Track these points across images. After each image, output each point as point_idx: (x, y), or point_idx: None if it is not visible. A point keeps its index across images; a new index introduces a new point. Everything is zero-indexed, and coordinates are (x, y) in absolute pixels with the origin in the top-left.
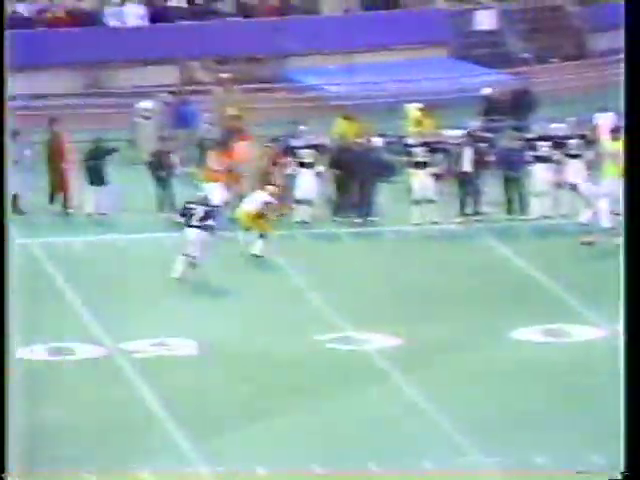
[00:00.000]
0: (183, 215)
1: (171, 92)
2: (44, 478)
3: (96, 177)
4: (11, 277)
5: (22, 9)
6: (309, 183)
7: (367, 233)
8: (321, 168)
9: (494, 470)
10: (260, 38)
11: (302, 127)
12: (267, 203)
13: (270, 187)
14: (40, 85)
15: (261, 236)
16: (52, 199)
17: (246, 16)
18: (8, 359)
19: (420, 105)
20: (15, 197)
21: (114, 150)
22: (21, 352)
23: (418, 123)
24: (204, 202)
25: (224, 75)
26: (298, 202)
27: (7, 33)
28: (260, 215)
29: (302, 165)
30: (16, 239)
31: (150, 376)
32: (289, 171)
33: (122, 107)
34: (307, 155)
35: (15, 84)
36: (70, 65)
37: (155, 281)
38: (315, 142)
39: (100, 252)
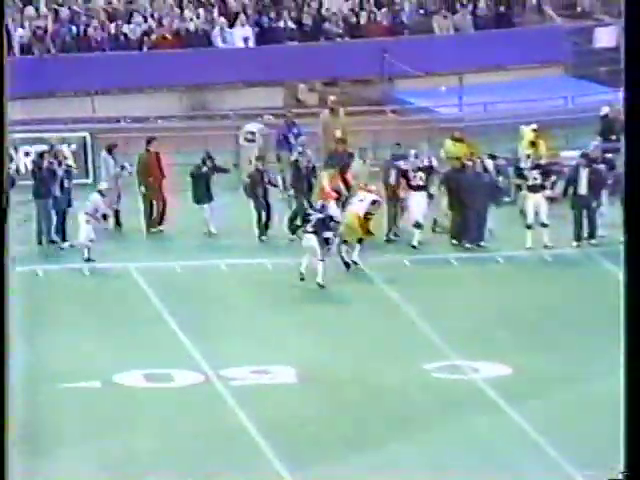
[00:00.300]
0: (305, 222)
1: (276, 114)
2: (44, 478)
3: (204, 194)
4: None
5: (127, 30)
6: (420, 206)
7: (478, 258)
8: (432, 191)
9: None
10: (369, 59)
11: (413, 150)
12: (375, 202)
13: (373, 187)
14: (144, 107)
15: (360, 241)
16: (150, 219)
17: (355, 37)
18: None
19: (534, 126)
20: (117, 213)
21: (225, 170)
22: (118, 378)
23: (532, 144)
24: (322, 211)
25: (331, 97)
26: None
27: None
28: (368, 217)
29: (412, 188)
30: (112, 262)
31: (250, 404)
32: (401, 194)
33: (227, 129)
34: (417, 178)
35: (119, 105)
36: (175, 87)
37: (256, 306)
38: (425, 164)
39: (200, 276)
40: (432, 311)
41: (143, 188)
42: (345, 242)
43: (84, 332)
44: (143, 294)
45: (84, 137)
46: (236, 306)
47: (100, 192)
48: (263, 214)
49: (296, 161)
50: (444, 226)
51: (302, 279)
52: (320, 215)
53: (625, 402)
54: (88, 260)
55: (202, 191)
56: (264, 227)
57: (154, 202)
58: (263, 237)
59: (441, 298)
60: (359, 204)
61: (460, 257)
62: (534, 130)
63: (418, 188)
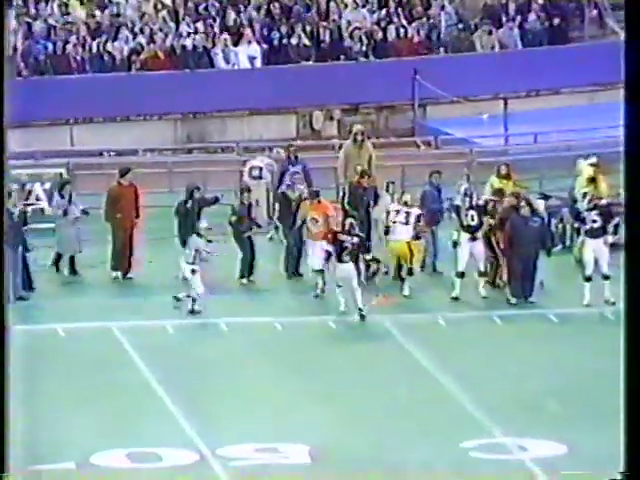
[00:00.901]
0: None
1: (288, 147)
2: (44, 478)
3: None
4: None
5: (112, 48)
6: (465, 251)
7: (526, 316)
8: (478, 235)
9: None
10: (397, 82)
11: (464, 185)
12: (420, 216)
13: (408, 197)
14: (132, 138)
15: (410, 272)
16: (116, 265)
17: (381, 55)
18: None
19: (593, 160)
20: (72, 260)
21: (215, 200)
22: (97, 458)
23: (591, 181)
24: (351, 233)
25: (357, 126)
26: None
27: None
28: (416, 237)
29: (463, 228)
30: (90, 321)
31: None
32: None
33: (229, 165)
34: (469, 217)
35: (102, 137)
36: (169, 114)
37: (260, 371)
38: (479, 202)
39: (194, 336)
40: (470, 377)
41: (110, 227)
42: (398, 275)
43: (59, 403)
44: (127, 358)
45: (60, 173)
46: (237, 371)
47: (198, 234)
48: (247, 255)
49: (283, 194)
50: (484, 275)
51: (343, 312)
52: (354, 239)
53: (625, 402)
54: (192, 312)
55: (190, 231)
56: (247, 269)
57: (121, 246)
58: (244, 280)
59: (481, 362)
60: (404, 227)
61: (505, 314)
62: (593, 164)
63: (468, 229)
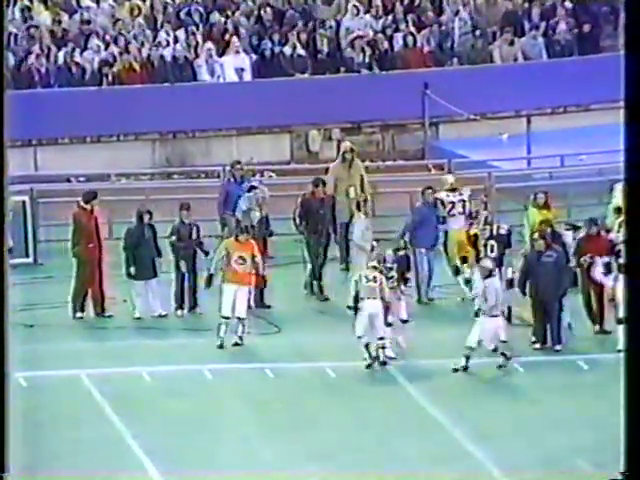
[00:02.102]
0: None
1: (281, 171)
2: (44, 478)
3: (144, 266)
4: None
5: (81, 59)
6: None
7: (552, 363)
8: (509, 273)
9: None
10: (405, 97)
11: (485, 212)
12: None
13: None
14: (104, 161)
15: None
16: (78, 305)
17: (386, 67)
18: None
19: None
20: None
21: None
22: None
23: (618, 211)
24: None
25: (346, 143)
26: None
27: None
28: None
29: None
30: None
31: None
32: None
33: (214, 191)
34: (488, 248)
35: (70, 160)
36: (146, 134)
37: (250, 428)
38: (502, 232)
39: (174, 385)
40: (487, 433)
41: (74, 259)
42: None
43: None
44: (97, 410)
45: (22, 202)
46: (225, 428)
47: None
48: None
49: (238, 221)
50: (522, 317)
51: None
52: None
53: (625, 402)
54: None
55: (142, 262)
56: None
57: (86, 281)
58: (179, 312)
59: (500, 417)
60: (461, 218)
61: (527, 362)
62: None
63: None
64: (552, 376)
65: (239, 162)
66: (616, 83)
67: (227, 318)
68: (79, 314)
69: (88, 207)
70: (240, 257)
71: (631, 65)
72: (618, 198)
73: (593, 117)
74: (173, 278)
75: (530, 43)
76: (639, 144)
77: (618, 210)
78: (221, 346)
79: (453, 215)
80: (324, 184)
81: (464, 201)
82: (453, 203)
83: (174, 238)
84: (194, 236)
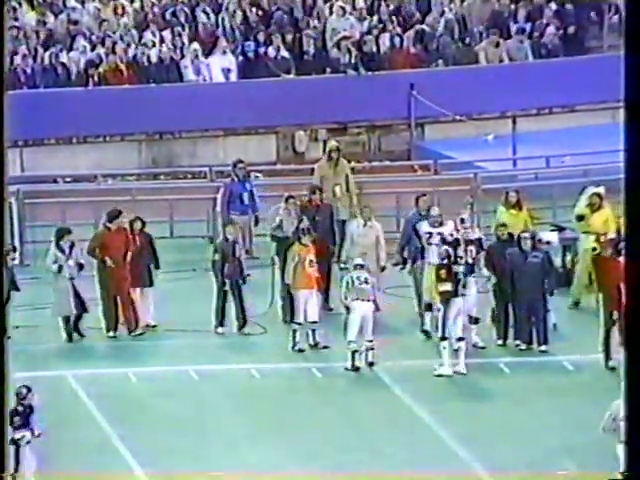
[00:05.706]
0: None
1: (268, 172)
2: (44, 478)
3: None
4: None
5: (67, 59)
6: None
7: (538, 364)
8: (484, 273)
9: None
10: (391, 98)
11: (464, 214)
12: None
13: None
14: (90, 162)
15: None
16: (109, 318)
17: (372, 68)
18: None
19: (599, 189)
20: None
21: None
22: None
23: (581, 218)
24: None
25: (331, 142)
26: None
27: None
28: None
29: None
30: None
31: None
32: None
33: (201, 192)
34: (468, 254)
35: (56, 161)
36: (132, 135)
37: (239, 430)
38: (476, 236)
39: (163, 386)
40: (473, 435)
41: (98, 277)
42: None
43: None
44: (84, 411)
45: (9, 204)
46: (213, 430)
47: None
48: (230, 298)
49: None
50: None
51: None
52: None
53: (625, 402)
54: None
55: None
56: (237, 316)
57: (116, 296)
58: (220, 329)
59: (486, 418)
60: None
61: (513, 362)
62: (597, 194)
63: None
64: (538, 377)
65: (241, 161)
66: (602, 84)
67: (300, 324)
68: (111, 333)
69: (112, 225)
70: (311, 260)
71: (631, 65)
72: (582, 202)
73: (579, 118)
74: (214, 295)
75: (516, 46)
76: (639, 144)
77: (580, 218)
78: (300, 350)
79: (430, 244)
80: (320, 191)
81: (441, 234)
82: (430, 233)
83: (217, 257)
84: (237, 254)
